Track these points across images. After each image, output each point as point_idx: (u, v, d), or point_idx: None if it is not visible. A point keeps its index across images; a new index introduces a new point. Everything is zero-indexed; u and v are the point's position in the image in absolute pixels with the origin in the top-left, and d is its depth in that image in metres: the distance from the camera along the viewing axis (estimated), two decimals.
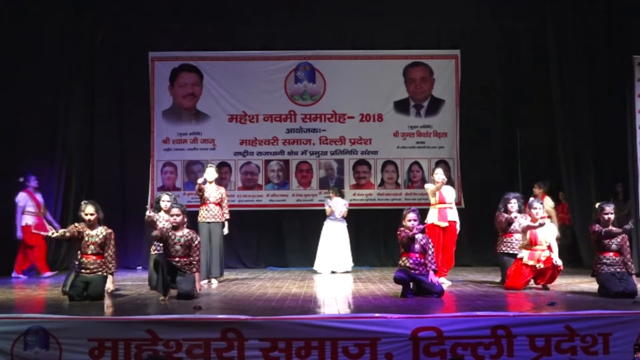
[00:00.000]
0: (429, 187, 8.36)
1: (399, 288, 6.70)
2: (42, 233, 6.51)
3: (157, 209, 7.80)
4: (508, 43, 11.04)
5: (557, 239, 7.34)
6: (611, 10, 9.46)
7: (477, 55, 10.91)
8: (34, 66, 9.87)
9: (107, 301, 6.36)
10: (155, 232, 6.81)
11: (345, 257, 9.81)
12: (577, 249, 9.90)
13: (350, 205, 10.32)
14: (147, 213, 7.81)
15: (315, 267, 9.79)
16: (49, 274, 9.17)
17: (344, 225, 9.93)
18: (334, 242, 9.82)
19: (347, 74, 11.11)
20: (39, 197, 9.42)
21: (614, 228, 6.56)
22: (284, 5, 10.76)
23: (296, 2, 10.70)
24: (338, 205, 9.87)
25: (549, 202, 9.37)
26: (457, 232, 8.47)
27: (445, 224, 8.16)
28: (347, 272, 9.73)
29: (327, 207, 9.93)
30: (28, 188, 9.35)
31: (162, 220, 7.49)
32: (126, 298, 6.78)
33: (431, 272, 6.62)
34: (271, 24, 10.98)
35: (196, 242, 6.67)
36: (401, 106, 11.18)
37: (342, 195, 10.10)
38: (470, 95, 10.96)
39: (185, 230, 6.69)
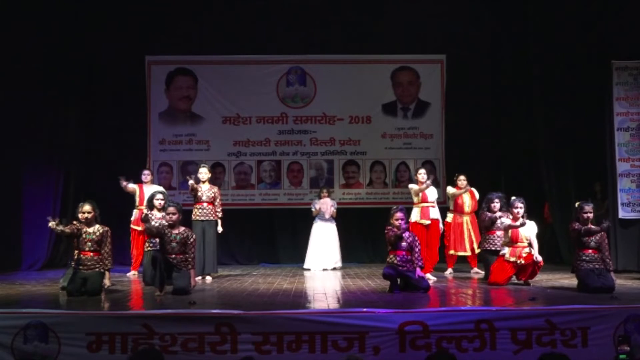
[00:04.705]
0: (412, 187, 8.64)
1: (386, 284, 6.85)
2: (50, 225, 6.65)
3: (150, 207, 7.96)
4: (492, 48, 11.19)
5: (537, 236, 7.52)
6: (591, 16, 9.59)
7: (462, 60, 11.02)
8: (34, 69, 9.97)
9: (104, 296, 6.45)
10: (149, 226, 6.96)
11: (333, 255, 9.95)
12: (558, 246, 10.08)
13: (339, 204, 10.46)
14: (144, 211, 7.99)
15: (305, 266, 9.89)
16: None
17: (333, 225, 10.07)
18: (323, 241, 9.95)
19: (337, 78, 11.22)
20: None
21: (593, 226, 6.73)
22: (276, 11, 10.89)
23: (288, 8, 10.83)
24: (326, 206, 10.04)
25: None
26: (441, 230, 8.73)
27: (428, 222, 8.43)
28: (335, 268, 9.85)
29: (313, 209, 10.07)
30: None
31: (155, 219, 7.65)
32: (123, 293, 6.89)
33: (418, 269, 6.77)
34: (264, 29, 11.07)
35: (191, 240, 6.82)
36: (389, 108, 11.31)
37: (328, 194, 10.21)
38: (456, 97, 11.08)
39: (181, 228, 6.83)
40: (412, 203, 8.70)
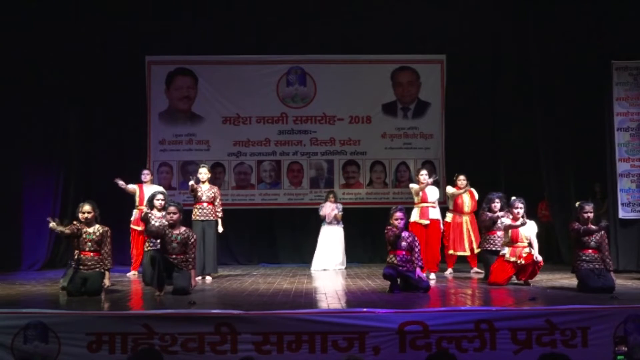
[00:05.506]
0: (413, 186, 8.64)
1: (386, 284, 6.85)
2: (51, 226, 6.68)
3: (151, 207, 7.95)
4: (492, 48, 11.22)
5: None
6: (591, 16, 9.63)
7: (462, 60, 11.06)
8: (33, 69, 10.00)
9: (104, 296, 6.46)
10: (151, 227, 6.96)
11: (336, 257, 9.99)
12: (558, 246, 10.09)
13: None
14: (145, 210, 7.99)
15: (312, 269, 9.88)
16: None
17: (338, 229, 10.12)
18: (328, 244, 10.01)
19: (337, 78, 11.26)
20: None
21: (592, 226, 6.73)
22: (276, 11, 10.92)
23: (288, 8, 10.85)
24: (328, 210, 10.07)
25: None
26: (441, 230, 8.72)
27: (427, 222, 8.43)
28: (338, 269, 9.90)
29: (320, 213, 10.14)
30: None
31: (155, 218, 7.65)
32: (123, 293, 6.90)
33: (417, 269, 6.78)
34: (264, 29, 11.13)
35: (192, 240, 6.81)
36: (389, 108, 11.33)
37: (335, 199, 10.24)
38: (456, 97, 11.11)
39: (182, 228, 6.83)
40: (412, 203, 8.71)
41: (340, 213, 10.08)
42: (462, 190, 9.02)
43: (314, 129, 11.32)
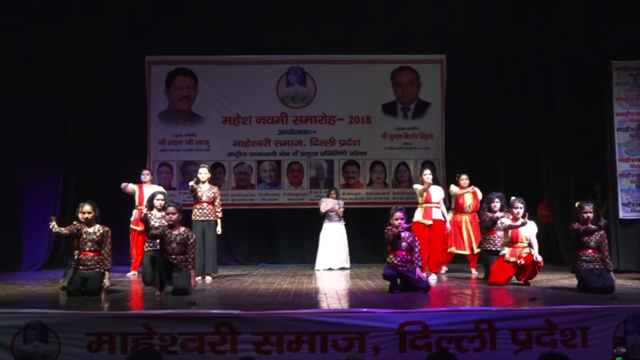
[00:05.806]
0: (417, 187, 8.64)
1: (386, 284, 6.84)
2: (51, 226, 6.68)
3: (150, 207, 7.95)
4: (492, 48, 11.24)
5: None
6: (591, 16, 9.65)
7: (462, 60, 11.07)
8: (35, 71, 10.01)
9: (104, 296, 6.45)
10: (154, 231, 6.96)
11: (339, 255, 10.01)
12: (558, 246, 10.10)
13: None
14: (144, 211, 7.99)
15: (316, 268, 9.90)
16: None
17: (340, 226, 10.14)
18: (330, 242, 10.03)
19: (337, 78, 11.27)
20: None
21: (592, 226, 6.73)
22: (276, 11, 10.94)
23: (288, 8, 10.87)
24: (329, 206, 10.08)
25: None
26: (447, 230, 8.71)
27: (430, 222, 8.42)
28: (343, 268, 9.93)
29: (319, 205, 10.15)
30: None
31: (154, 219, 7.65)
32: (123, 293, 6.89)
33: (417, 269, 6.77)
34: (264, 29, 11.13)
35: (192, 240, 6.80)
36: (389, 109, 11.34)
37: (337, 195, 10.26)
38: (456, 97, 11.13)
39: (182, 229, 6.82)
40: (411, 203, 8.75)
41: (341, 209, 10.09)
42: (465, 190, 9.02)
43: (314, 129, 11.32)
